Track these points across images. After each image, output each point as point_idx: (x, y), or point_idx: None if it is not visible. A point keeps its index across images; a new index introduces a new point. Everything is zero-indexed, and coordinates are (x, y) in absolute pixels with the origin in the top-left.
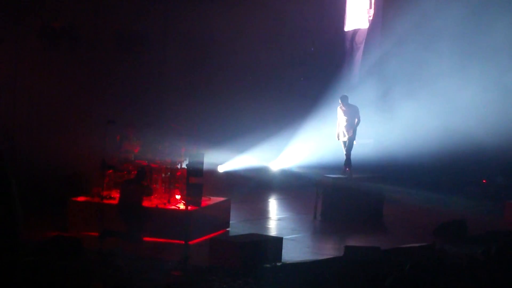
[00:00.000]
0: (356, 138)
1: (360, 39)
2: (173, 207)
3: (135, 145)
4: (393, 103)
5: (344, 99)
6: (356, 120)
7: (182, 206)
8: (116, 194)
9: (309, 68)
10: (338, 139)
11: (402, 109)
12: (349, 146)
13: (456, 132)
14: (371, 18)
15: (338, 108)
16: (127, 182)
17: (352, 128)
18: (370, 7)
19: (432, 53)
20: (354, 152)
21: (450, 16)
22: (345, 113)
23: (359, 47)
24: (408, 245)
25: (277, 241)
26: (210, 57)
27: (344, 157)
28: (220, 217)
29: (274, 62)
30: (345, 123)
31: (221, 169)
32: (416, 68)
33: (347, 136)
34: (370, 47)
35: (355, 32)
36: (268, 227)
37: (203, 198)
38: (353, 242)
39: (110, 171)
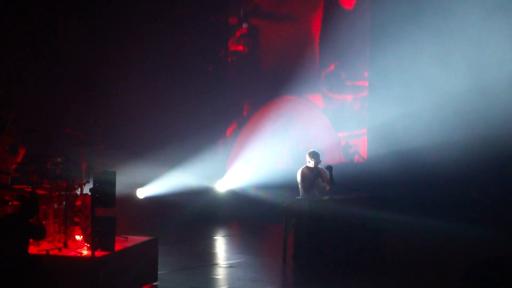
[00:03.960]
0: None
1: None
2: (72, 253)
3: (14, 155)
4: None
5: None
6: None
7: (85, 252)
8: None
9: None
10: None
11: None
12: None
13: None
14: None
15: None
16: (5, 219)
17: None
18: None
19: None
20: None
21: None
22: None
23: None
24: None
25: None
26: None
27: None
28: (144, 266)
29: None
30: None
31: (141, 193)
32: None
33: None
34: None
35: None
36: (215, 278)
37: (117, 238)
38: None
39: None
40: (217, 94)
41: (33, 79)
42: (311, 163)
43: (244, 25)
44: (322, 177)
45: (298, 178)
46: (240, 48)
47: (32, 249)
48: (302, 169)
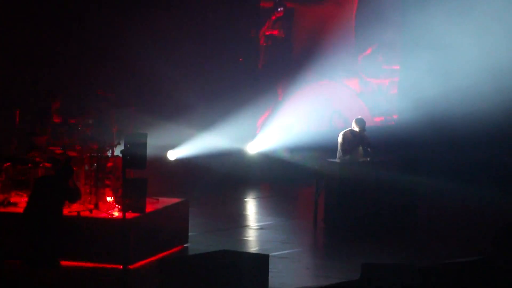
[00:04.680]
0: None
1: None
2: (103, 215)
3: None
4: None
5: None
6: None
7: (116, 213)
8: (17, 199)
9: None
10: None
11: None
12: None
13: None
14: None
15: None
16: (43, 180)
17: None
18: None
19: None
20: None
21: None
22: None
23: None
24: (455, 261)
25: (261, 261)
26: None
27: None
28: (174, 228)
29: None
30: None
31: (172, 155)
32: None
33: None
34: None
35: None
36: (246, 240)
37: (148, 200)
38: (373, 258)
39: (7, 164)
40: (250, 81)
41: (66, 44)
42: (355, 129)
43: (280, 9)
44: (365, 142)
45: (340, 140)
46: (276, 32)
47: (63, 211)
48: (345, 132)
